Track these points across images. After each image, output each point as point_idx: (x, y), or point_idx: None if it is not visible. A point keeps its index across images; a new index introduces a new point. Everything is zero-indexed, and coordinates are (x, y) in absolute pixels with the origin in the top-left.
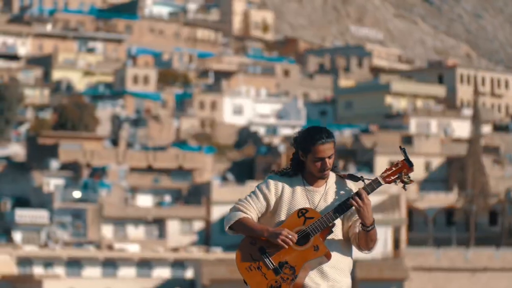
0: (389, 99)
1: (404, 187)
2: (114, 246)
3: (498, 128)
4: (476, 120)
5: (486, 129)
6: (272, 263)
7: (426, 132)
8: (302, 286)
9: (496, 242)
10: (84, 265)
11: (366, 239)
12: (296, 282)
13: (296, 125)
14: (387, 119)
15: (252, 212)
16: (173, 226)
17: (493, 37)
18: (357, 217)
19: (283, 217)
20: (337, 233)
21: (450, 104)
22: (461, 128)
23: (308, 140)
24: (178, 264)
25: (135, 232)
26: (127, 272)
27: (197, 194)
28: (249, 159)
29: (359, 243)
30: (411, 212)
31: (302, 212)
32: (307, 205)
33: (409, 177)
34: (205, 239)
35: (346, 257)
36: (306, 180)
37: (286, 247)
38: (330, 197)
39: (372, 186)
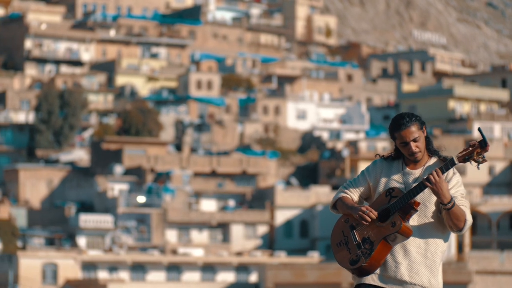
0: (452, 104)
1: (477, 167)
2: (178, 250)
3: None
4: None
5: None
6: (357, 238)
7: (490, 136)
8: (380, 262)
9: None
10: (149, 270)
11: (451, 218)
12: (372, 257)
13: (360, 130)
14: (451, 124)
15: (353, 192)
16: (237, 231)
17: None
18: None
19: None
20: (429, 216)
21: None
22: None
23: (392, 127)
24: (242, 268)
25: (199, 236)
26: (191, 276)
27: (261, 199)
28: (312, 163)
29: (447, 223)
30: (475, 216)
31: (389, 191)
32: (402, 187)
33: (483, 156)
34: (269, 243)
35: (436, 241)
36: (405, 163)
37: (364, 221)
38: None
39: (447, 165)
